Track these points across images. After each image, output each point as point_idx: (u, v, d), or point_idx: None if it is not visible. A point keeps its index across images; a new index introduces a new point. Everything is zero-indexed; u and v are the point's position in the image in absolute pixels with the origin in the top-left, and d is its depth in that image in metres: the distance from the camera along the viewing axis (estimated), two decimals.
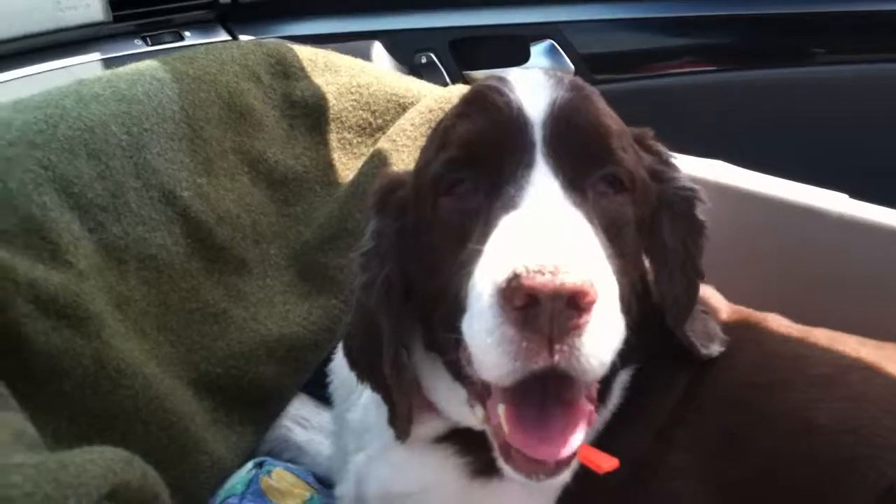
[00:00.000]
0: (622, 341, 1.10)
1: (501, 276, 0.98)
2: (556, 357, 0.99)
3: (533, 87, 1.21)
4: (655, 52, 2.57)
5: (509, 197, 1.11)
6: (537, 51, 2.50)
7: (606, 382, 1.30)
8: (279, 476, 1.60)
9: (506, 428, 1.08)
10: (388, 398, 1.33)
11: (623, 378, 1.34)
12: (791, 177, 1.76)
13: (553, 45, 2.49)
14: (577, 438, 1.07)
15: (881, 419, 1.26)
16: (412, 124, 1.96)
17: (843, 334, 1.45)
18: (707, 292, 1.50)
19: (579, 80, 1.27)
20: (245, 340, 1.69)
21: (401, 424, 1.32)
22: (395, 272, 1.29)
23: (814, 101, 2.44)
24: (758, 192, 1.74)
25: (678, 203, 1.33)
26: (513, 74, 1.25)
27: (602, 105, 1.26)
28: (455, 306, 1.11)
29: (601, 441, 1.29)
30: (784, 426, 1.28)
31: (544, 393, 1.07)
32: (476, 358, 1.06)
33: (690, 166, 1.76)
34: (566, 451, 1.06)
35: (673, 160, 1.38)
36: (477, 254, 1.07)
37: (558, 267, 0.95)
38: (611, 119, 1.24)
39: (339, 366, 1.56)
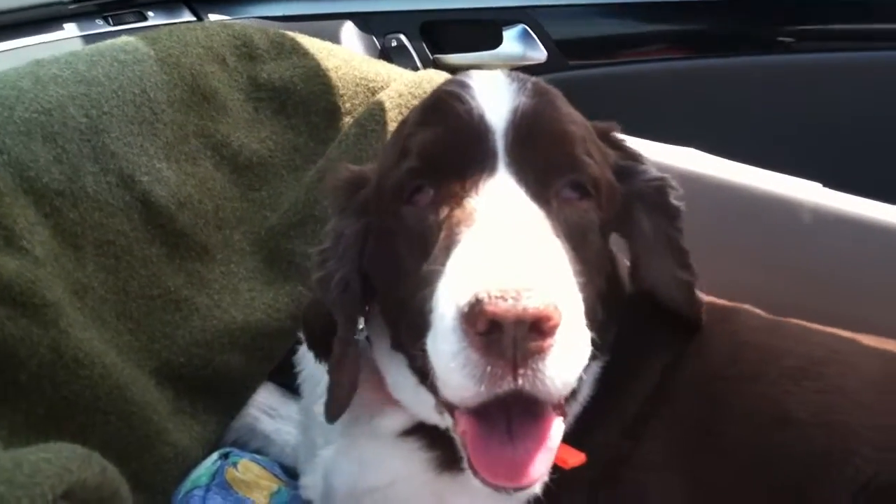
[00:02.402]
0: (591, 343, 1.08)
1: (463, 301, 0.97)
2: (521, 381, 0.97)
3: (495, 92, 1.20)
4: (629, 38, 2.54)
5: (471, 209, 1.09)
6: (510, 35, 2.47)
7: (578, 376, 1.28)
8: (245, 467, 1.57)
9: (472, 450, 1.07)
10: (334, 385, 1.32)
11: (593, 371, 1.33)
12: (765, 165, 1.76)
13: (525, 30, 2.46)
14: (545, 462, 1.06)
15: (856, 412, 1.25)
16: (381, 109, 1.92)
17: (816, 326, 1.44)
18: None
19: (542, 84, 1.26)
20: (208, 328, 1.65)
21: (328, 409, 1.31)
22: (353, 273, 1.28)
23: (788, 89, 2.43)
24: (730, 180, 1.74)
25: (650, 194, 1.32)
26: (475, 78, 1.23)
27: (566, 109, 1.24)
28: (419, 321, 1.09)
29: (571, 435, 1.28)
30: (758, 419, 1.27)
31: (511, 410, 1.05)
32: (440, 378, 1.04)
33: (663, 154, 1.75)
34: (533, 478, 1.05)
35: (639, 154, 1.37)
36: (439, 272, 1.05)
37: (520, 291, 0.94)
38: (574, 124, 1.22)
39: (306, 356, 1.53)
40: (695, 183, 1.72)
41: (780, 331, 1.41)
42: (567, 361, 1.00)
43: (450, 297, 1.00)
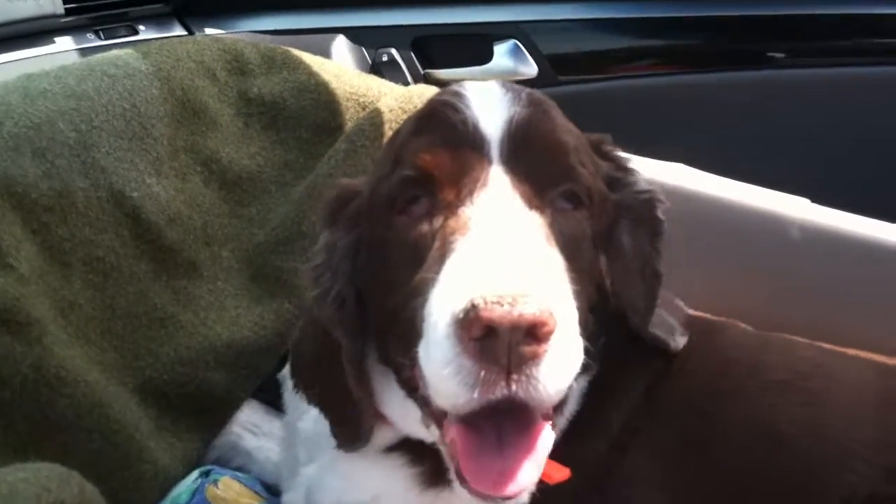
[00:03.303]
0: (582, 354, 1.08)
1: (458, 307, 0.96)
2: (514, 387, 0.97)
3: (490, 102, 1.20)
4: (619, 53, 2.56)
5: (466, 218, 1.09)
6: (500, 50, 2.48)
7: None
8: (226, 485, 1.56)
9: (461, 458, 1.07)
10: (326, 411, 1.32)
11: (580, 385, 1.32)
12: (754, 180, 1.77)
13: (516, 45, 2.46)
14: (534, 470, 1.06)
15: (841, 426, 1.26)
16: (371, 125, 1.92)
17: (802, 340, 1.45)
18: (665, 296, 1.49)
19: (537, 94, 1.26)
20: (193, 346, 1.65)
21: (356, 434, 1.30)
22: (347, 288, 1.27)
23: (777, 104, 2.45)
24: (718, 196, 1.74)
25: (637, 206, 1.32)
26: (470, 88, 1.23)
27: (560, 119, 1.24)
28: (411, 331, 1.09)
29: (557, 449, 1.28)
30: (744, 434, 1.28)
31: (500, 418, 1.05)
32: (432, 386, 1.04)
33: (651, 169, 1.76)
34: (521, 487, 1.05)
35: (630, 166, 1.37)
36: (433, 280, 1.05)
37: (516, 297, 0.94)
38: (568, 134, 1.22)
39: None
40: (683, 198, 1.73)
41: (766, 345, 1.42)
42: (560, 368, 1.00)
43: (444, 304, 1.00)
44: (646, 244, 1.32)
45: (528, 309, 0.93)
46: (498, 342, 0.95)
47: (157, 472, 1.53)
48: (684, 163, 1.82)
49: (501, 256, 1.02)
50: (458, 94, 1.21)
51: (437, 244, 1.10)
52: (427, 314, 1.04)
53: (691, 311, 1.51)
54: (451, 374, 0.99)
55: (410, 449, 1.33)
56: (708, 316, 1.50)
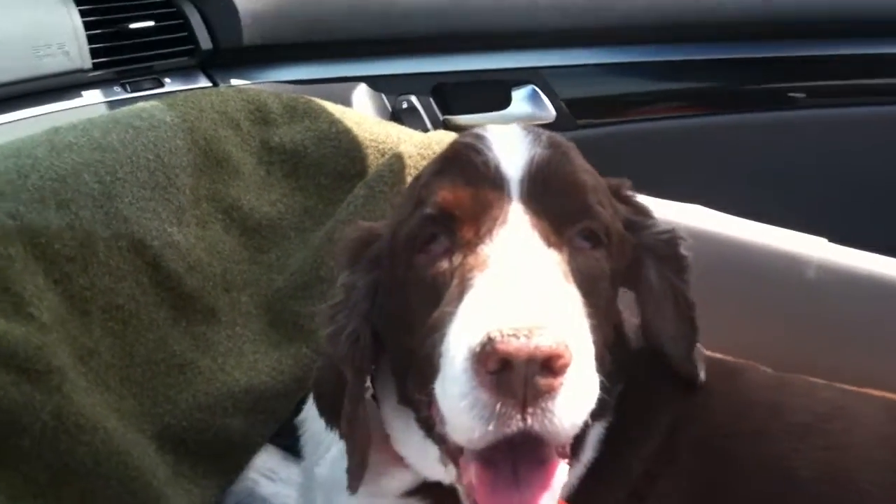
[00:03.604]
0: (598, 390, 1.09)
1: (475, 340, 0.98)
2: (530, 420, 0.98)
3: (511, 144, 1.22)
4: (636, 97, 2.58)
5: (485, 256, 1.10)
6: (518, 96, 2.51)
7: (580, 437, 1.26)
8: None
9: (478, 493, 1.07)
10: (349, 446, 1.32)
11: (597, 431, 1.33)
12: (771, 221, 1.77)
13: (534, 90, 2.49)
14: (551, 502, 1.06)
15: (861, 469, 1.26)
16: (391, 171, 1.94)
17: (822, 382, 1.45)
18: None
19: (557, 137, 1.28)
20: (211, 391, 1.66)
21: (351, 475, 1.31)
22: (364, 326, 1.29)
23: (795, 145, 2.45)
24: (736, 236, 1.74)
25: (660, 247, 1.34)
26: (491, 131, 1.26)
27: (579, 161, 1.26)
28: (428, 367, 1.10)
29: (576, 496, 1.28)
30: (763, 477, 1.28)
31: (516, 454, 1.05)
32: (448, 420, 1.05)
33: (669, 211, 1.76)
34: None
35: (648, 209, 1.38)
36: (451, 315, 1.06)
37: (532, 330, 0.95)
38: (587, 174, 1.24)
39: (309, 418, 1.55)
40: (701, 239, 1.73)
41: (786, 387, 1.41)
42: (576, 401, 1.01)
43: (461, 338, 1.01)
44: (674, 278, 1.34)
45: (544, 341, 0.94)
46: (514, 375, 0.95)
47: None
48: (702, 204, 1.82)
49: (519, 291, 1.03)
50: (480, 137, 1.24)
51: (455, 281, 1.12)
52: (445, 349, 1.05)
53: (710, 353, 1.50)
54: (467, 408, 0.99)
55: (428, 493, 1.33)
56: (727, 358, 1.50)
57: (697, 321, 1.37)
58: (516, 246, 1.11)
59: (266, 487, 1.73)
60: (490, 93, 2.52)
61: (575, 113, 2.51)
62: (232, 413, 1.67)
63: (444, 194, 1.19)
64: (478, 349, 0.97)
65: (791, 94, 2.48)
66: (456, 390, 1.00)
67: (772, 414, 1.35)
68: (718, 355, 1.51)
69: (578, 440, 1.27)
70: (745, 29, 2.47)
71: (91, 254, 1.57)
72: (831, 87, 2.47)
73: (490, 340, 0.95)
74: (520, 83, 2.51)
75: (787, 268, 1.69)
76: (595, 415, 1.10)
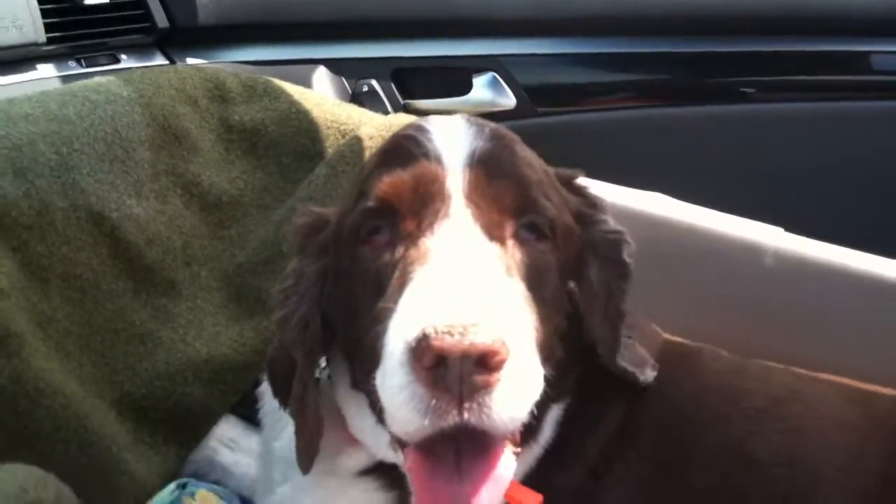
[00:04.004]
0: (548, 381, 1.09)
1: (411, 336, 0.98)
2: (466, 415, 0.98)
3: (453, 136, 1.21)
4: (597, 87, 2.60)
5: (426, 249, 1.10)
6: (479, 82, 2.51)
7: (538, 418, 1.26)
8: (203, 498, 1.56)
9: (415, 489, 1.07)
10: (298, 426, 1.31)
11: (555, 413, 1.33)
12: (729, 210, 1.78)
13: (495, 77, 2.50)
14: (493, 495, 1.06)
15: (817, 452, 1.27)
16: (351, 151, 1.94)
17: (778, 366, 1.46)
18: (642, 322, 1.49)
19: (500, 129, 1.27)
20: (172, 361, 1.65)
21: (300, 456, 1.30)
22: (313, 312, 1.28)
23: (751, 137, 2.48)
24: (694, 223, 1.75)
25: (604, 246, 1.33)
26: (434, 122, 1.25)
27: (523, 153, 1.26)
28: (371, 358, 1.10)
29: (533, 476, 1.28)
30: (721, 461, 1.28)
31: (459, 443, 1.05)
32: (387, 412, 1.05)
33: (628, 197, 1.78)
34: None
35: (601, 202, 1.38)
36: (391, 310, 1.06)
37: (467, 326, 0.95)
38: (530, 168, 1.23)
39: (268, 391, 1.53)
40: (659, 225, 1.75)
41: (743, 371, 1.42)
42: (515, 395, 1.01)
43: (399, 332, 1.01)
44: (612, 283, 1.33)
45: (478, 338, 0.95)
46: (449, 371, 0.95)
47: (134, 484, 1.53)
48: (660, 192, 1.84)
49: (457, 286, 1.03)
50: (422, 129, 1.23)
51: (397, 274, 1.11)
52: (385, 342, 1.05)
53: (668, 337, 1.52)
54: (404, 401, 0.99)
55: (384, 473, 1.32)
56: (684, 342, 1.51)
57: (623, 333, 1.35)
58: (457, 239, 1.11)
59: (226, 456, 1.72)
60: (451, 79, 2.52)
61: (535, 100, 2.52)
62: (192, 383, 1.66)
63: (385, 187, 1.18)
64: (413, 345, 0.97)
65: (744, 89, 2.51)
66: (394, 383, 1.01)
67: (728, 398, 1.36)
68: (677, 339, 1.52)
69: (536, 422, 1.26)
70: (700, 24, 2.50)
71: (48, 223, 1.55)
72: (783, 83, 2.51)
73: (425, 337, 0.95)
74: (480, 70, 2.52)
75: (745, 255, 1.70)
76: (552, 397, 1.11)
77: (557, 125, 2.51)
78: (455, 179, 1.17)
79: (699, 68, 2.55)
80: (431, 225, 1.13)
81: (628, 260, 1.33)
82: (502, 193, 1.17)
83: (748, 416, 1.32)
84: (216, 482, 1.69)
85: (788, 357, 1.52)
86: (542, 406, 1.12)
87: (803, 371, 1.46)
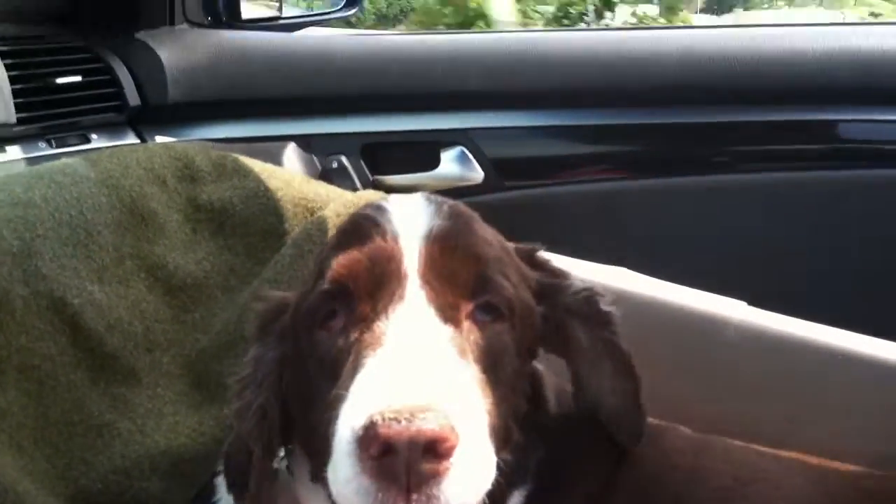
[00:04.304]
0: (506, 465, 1.08)
1: (358, 423, 0.97)
2: None
3: (411, 215, 1.22)
4: (565, 160, 2.60)
5: (380, 333, 1.09)
6: (447, 156, 2.52)
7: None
8: None
9: None
10: None
11: (516, 500, 1.31)
12: (696, 284, 1.79)
13: (463, 151, 2.51)
14: None
15: None
16: (318, 230, 1.94)
17: (742, 444, 1.46)
18: None
19: (459, 206, 1.28)
20: (129, 454, 1.62)
21: None
22: (272, 401, 1.26)
23: (720, 209, 2.49)
24: (655, 296, 1.76)
25: (581, 306, 1.34)
26: (392, 202, 1.26)
27: (482, 231, 1.26)
28: (324, 449, 1.08)
29: None
30: None
31: None
32: None
33: (594, 272, 1.79)
34: None
35: (563, 271, 1.39)
36: (342, 397, 1.05)
37: (414, 413, 0.94)
38: (488, 246, 1.23)
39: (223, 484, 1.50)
40: (624, 300, 1.75)
41: (706, 451, 1.42)
42: (466, 483, 0.99)
43: (347, 420, 1.00)
44: (604, 333, 1.34)
45: (426, 424, 0.93)
46: (396, 460, 0.94)
47: None
48: (628, 267, 1.85)
49: (407, 371, 1.02)
50: (380, 208, 1.24)
51: (351, 359, 1.10)
52: (335, 431, 1.04)
53: None
54: (352, 494, 0.98)
55: None
56: (651, 420, 1.51)
57: (636, 372, 1.36)
58: (411, 323, 1.10)
59: None
60: (419, 153, 2.53)
61: (503, 174, 2.52)
62: (149, 476, 1.62)
63: (340, 268, 1.18)
64: (360, 433, 0.96)
65: (716, 159, 2.53)
66: (342, 475, 0.99)
67: (693, 478, 1.35)
68: None
69: None
70: (670, 94, 2.52)
71: (8, 312, 1.53)
72: (759, 153, 2.53)
73: (372, 424, 0.94)
74: (449, 144, 2.53)
75: (708, 329, 1.71)
76: (512, 483, 1.09)
77: (526, 199, 2.51)
78: (411, 259, 1.16)
79: (669, 140, 2.57)
80: (386, 308, 1.12)
81: (607, 308, 1.34)
82: (458, 273, 1.17)
83: (713, 497, 1.32)
84: None
85: (752, 431, 1.53)
86: (500, 492, 1.11)
87: (765, 449, 1.46)
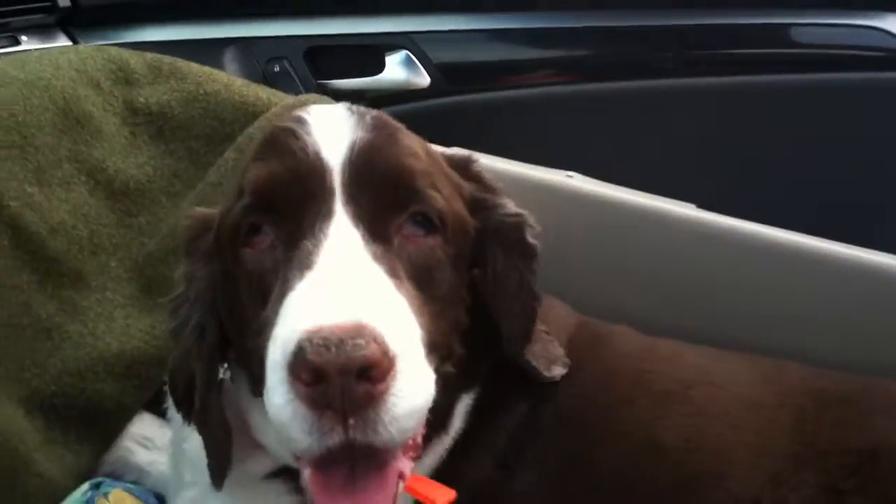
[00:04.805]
0: (452, 375, 1.09)
1: (287, 349, 0.94)
2: (352, 432, 0.94)
3: (332, 127, 1.17)
4: (512, 64, 2.58)
5: (307, 253, 1.06)
6: (392, 60, 2.47)
7: (447, 409, 1.27)
8: (117, 498, 1.52)
9: (313, 497, 1.03)
10: (205, 439, 1.27)
11: (465, 403, 1.31)
12: (644, 188, 1.79)
13: (408, 56, 2.46)
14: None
15: (725, 435, 1.28)
16: (261, 132, 1.88)
17: (687, 346, 1.47)
18: (554, 305, 1.49)
19: (383, 117, 1.23)
20: (81, 356, 1.60)
21: (212, 473, 1.26)
22: (208, 318, 1.23)
23: (666, 114, 2.50)
24: (607, 197, 1.76)
25: (506, 230, 1.31)
26: (313, 113, 1.21)
27: (408, 142, 1.21)
28: (260, 370, 1.05)
29: (443, 468, 1.27)
30: (627, 445, 1.29)
31: (355, 456, 1.01)
32: (275, 430, 1.01)
33: (545, 176, 1.78)
34: None
35: (497, 187, 1.35)
36: (271, 321, 1.02)
37: (344, 339, 0.91)
38: (414, 157, 1.19)
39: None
40: (576, 203, 1.76)
41: (652, 354, 1.43)
42: (404, 406, 0.97)
43: (276, 347, 0.98)
44: (520, 265, 1.31)
45: (357, 352, 0.91)
46: (330, 387, 0.92)
47: (45, 485, 1.48)
48: (578, 172, 1.84)
49: (336, 293, 0.99)
50: (301, 120, 1.18)
51: (279, 280, 1.08)
52: (266, 355, 1.01)
53: (581, 317, 1.52)
54: (287, 420, 0.96)
55: (292, 477, 1.27)
56: (597, 322, 1.51)
57: (538, 326, 1.34)
58: (338, 242, 1.07)
59: (141, 456, 1.68)
60: (364, 58, 2.47)
61: (449, 79, 2.49)
62: (103, 378, 1.61)
63: (262, 183, 1.13)
64: (290, 359, 0.94)
65: (664, 63, 2.52)
66: (276, 400, 0.97)
67: (636, 383, 1.36)
68: (590, 319, 1.52)
69: (446, 412, 1.26)
70: None
71: None
72: (704, 57, 2.53)
73: (301, 351, 0.92)
74: (393, 48, 2.48)
75: (656, 229, 1.72)
76: (462, 387, 1.08)
77: (473, 104, 2.49)
78: (335, 175, 1.12)
79: (615, 43, 2.55)
80: (312, 225, 1.09)
81: (532, 241, 1.30)
82: (384, 187, 1.14)
83: (655, 399, 1.33)
84: (134, 483, 1.64)
85: (702, 332, 1.55)
86: (451, 396, 1.10)
87: (712, 350, 1.47)
